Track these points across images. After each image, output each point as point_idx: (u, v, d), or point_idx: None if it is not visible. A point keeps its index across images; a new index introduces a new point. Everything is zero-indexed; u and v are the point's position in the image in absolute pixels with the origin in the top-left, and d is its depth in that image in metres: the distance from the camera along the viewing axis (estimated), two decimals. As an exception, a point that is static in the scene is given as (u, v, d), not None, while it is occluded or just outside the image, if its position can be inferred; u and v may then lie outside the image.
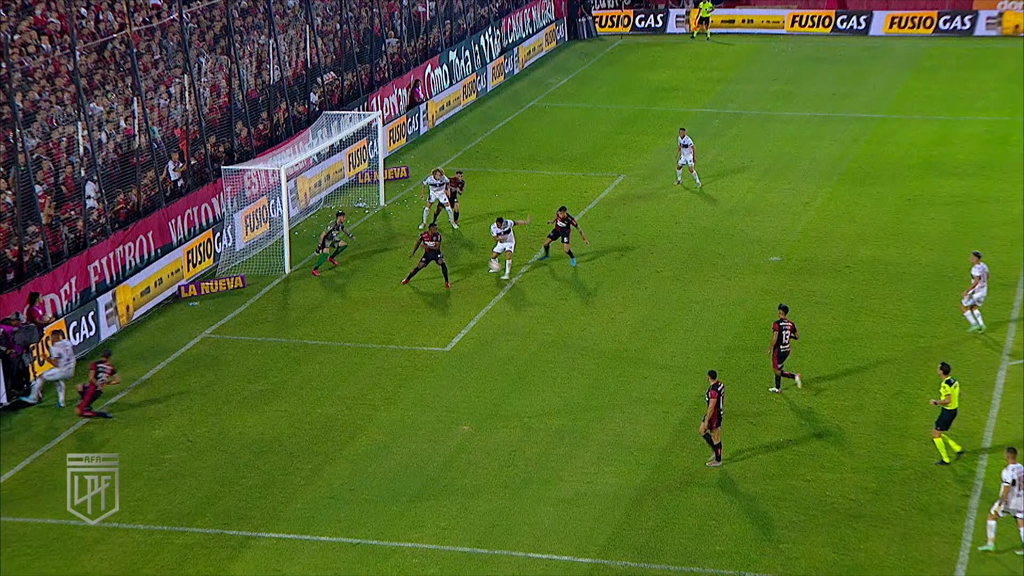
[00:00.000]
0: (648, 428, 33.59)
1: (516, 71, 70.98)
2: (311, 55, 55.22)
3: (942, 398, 31.55)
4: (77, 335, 38.06)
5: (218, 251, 44.63)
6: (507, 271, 43.30)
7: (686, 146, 51.28)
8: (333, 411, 34.90)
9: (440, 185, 47.52)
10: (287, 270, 44.53)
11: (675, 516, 29.79)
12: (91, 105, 42.85)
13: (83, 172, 41.02)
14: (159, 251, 42.70)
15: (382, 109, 57.76)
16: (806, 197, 51.01)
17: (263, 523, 29.69)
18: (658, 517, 29.74)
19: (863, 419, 34.02)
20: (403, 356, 38.18)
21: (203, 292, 42.68)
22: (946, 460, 31.56)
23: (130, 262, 41.51)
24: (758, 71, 71.72)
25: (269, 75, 52.15)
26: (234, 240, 44.94)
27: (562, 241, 44.36)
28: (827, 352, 37.82)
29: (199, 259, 43.83)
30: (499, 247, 43.41)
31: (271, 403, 35.41)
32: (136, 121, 43.77)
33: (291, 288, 43.49)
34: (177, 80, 47.25)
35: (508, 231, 43.15)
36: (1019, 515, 27.95)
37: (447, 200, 47.52)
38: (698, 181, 51.71)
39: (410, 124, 59.29)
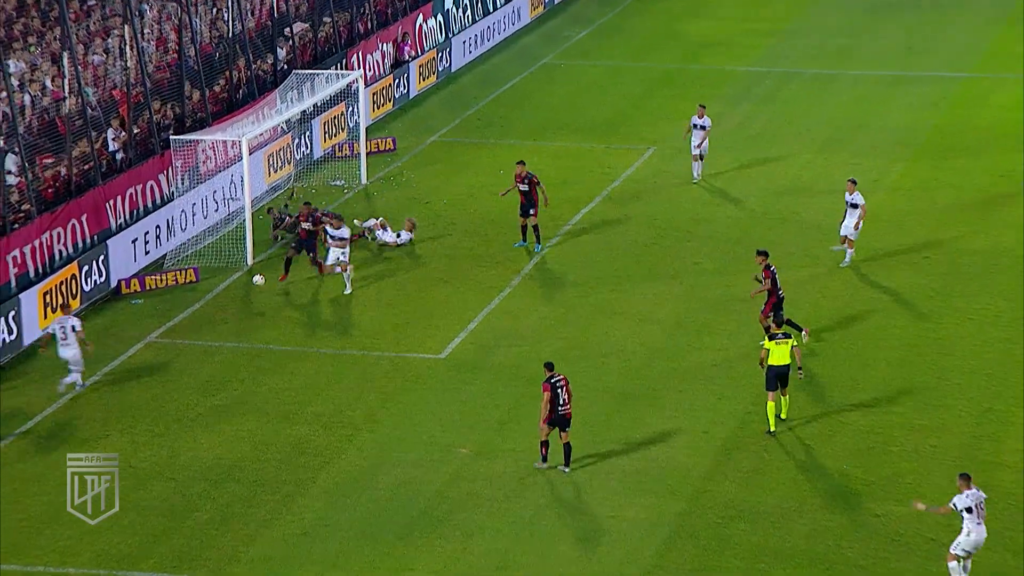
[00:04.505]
0: (684, 451, 33.61)
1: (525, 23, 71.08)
2: (278, 1, 55.22)
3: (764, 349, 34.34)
4: (-5, 339, 38.19)
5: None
6: None
7: (703, 128, 49.36)
8: (305, 431, 34.94)
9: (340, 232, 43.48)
10: (249, 261, 44.57)
11: (716, 557, 29.82)
12: (10, 62, 42.85)
13: (1, 142, 41.05)
14: (95, 238, 42.74)
15: (364, 68, 57.79)
16: (875, 174, 50.98)
17: (220, 565, 29.71)
18: (696, 559, 29.78)
19: (944, 442, 34.03)
20: (389, 364, 38.23)
21: (148, 287, 42.72)
22: (772, 428, 34.00)
23: (59, 251, 41.53)
24: (817, 21, 71.68)
25: (227, 26, 52.16)
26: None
27: (528, 214, 44.26)
28: (901, 360, 37.82)
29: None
30: None
31: (230, 421, 35.45)
32: (66, 81, 43.76)
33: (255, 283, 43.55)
34: (116, 32, 47.26)
35: None
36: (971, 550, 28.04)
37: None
38: (698, 174, 49.96)
39: (397, 86, 59.33)
